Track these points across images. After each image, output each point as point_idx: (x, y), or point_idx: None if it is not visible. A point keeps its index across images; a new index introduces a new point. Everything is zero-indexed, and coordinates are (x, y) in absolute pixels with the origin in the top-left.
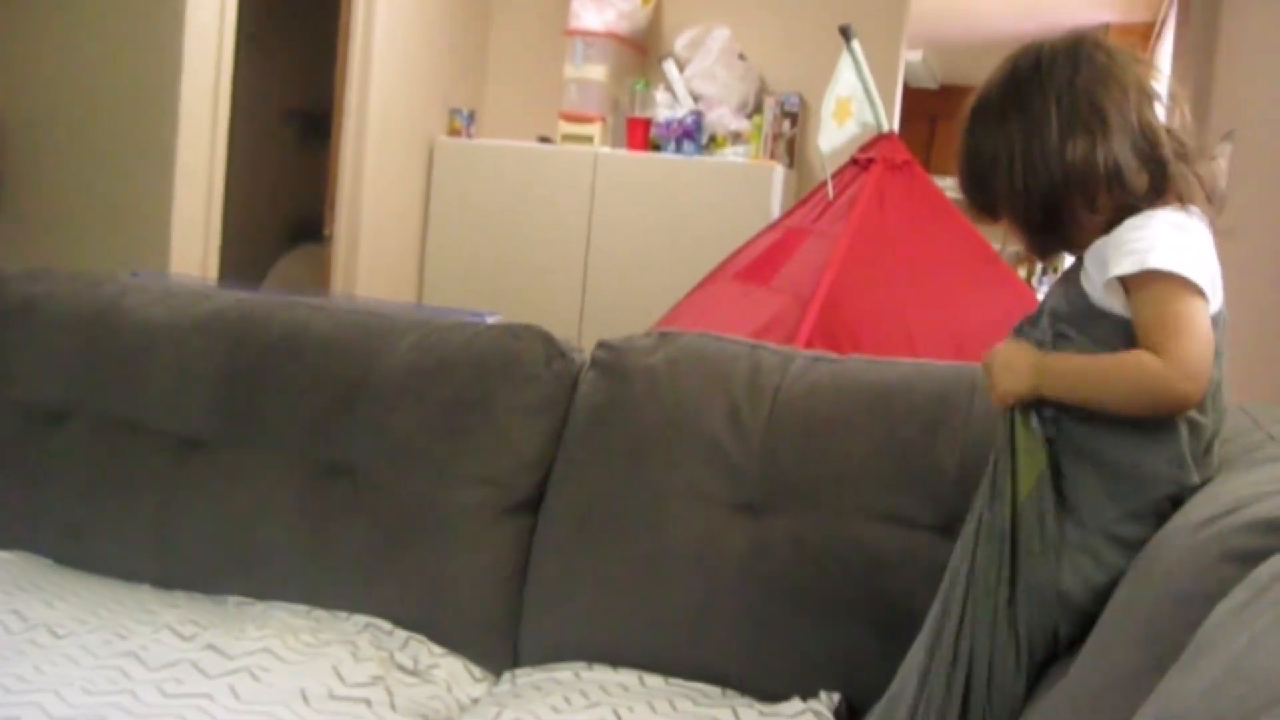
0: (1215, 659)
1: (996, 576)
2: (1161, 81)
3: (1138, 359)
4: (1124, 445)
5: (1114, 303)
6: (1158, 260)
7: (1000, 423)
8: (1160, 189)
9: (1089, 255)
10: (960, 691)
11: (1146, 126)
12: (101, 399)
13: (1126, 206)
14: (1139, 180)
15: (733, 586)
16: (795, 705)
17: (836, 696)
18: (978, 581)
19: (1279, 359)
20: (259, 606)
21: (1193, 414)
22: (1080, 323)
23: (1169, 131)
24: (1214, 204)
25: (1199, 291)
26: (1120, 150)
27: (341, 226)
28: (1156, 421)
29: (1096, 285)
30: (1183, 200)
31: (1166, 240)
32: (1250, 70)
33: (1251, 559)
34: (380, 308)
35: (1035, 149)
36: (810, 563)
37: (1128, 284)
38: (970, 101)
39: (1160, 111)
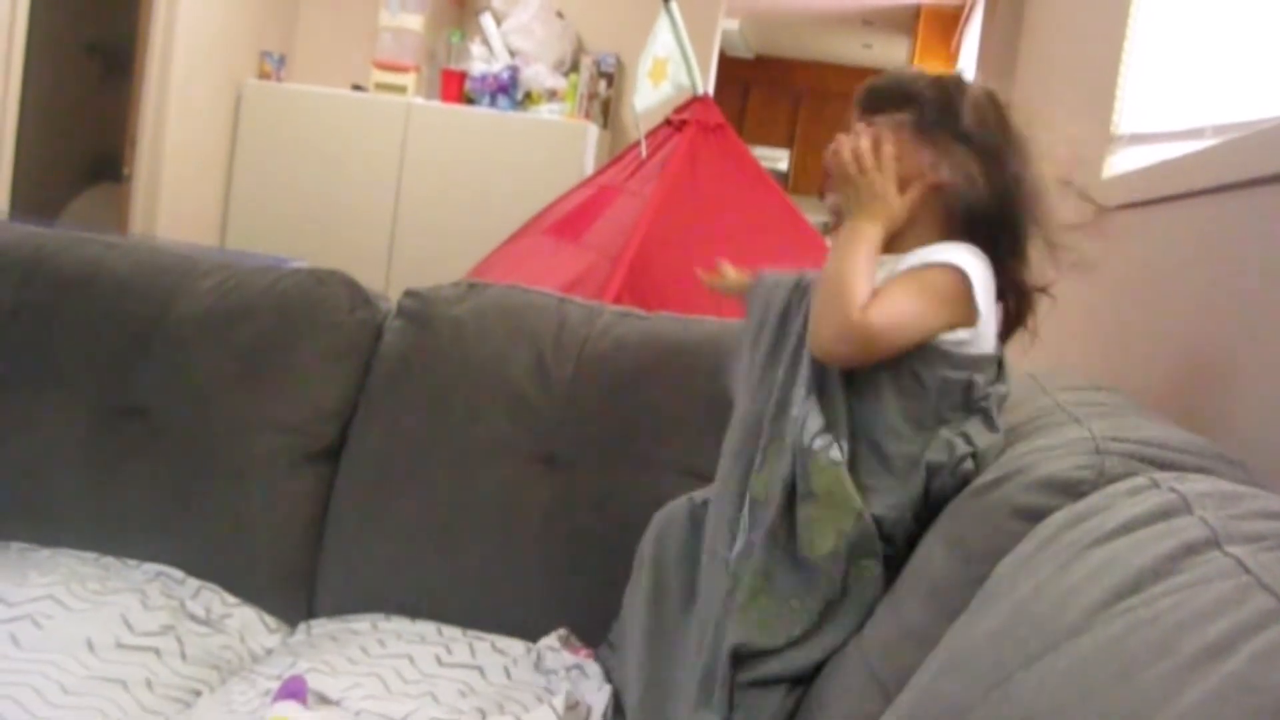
0: (1001, 606)
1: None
2: None
3: (858, 295)
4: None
5: None
6: (952, 257)
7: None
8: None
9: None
10: None
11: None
12: None
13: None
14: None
15: (534, 538)
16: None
17: None
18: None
19: (1068, 325)
20: (44, 553)
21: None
22: None
23: None
24: None
25: (963, 295)
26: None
27: (142, 166)
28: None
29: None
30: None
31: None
32: (1050, 54)
33: (1037, 516)
34: (180, 249)
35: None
36: (612, 516)
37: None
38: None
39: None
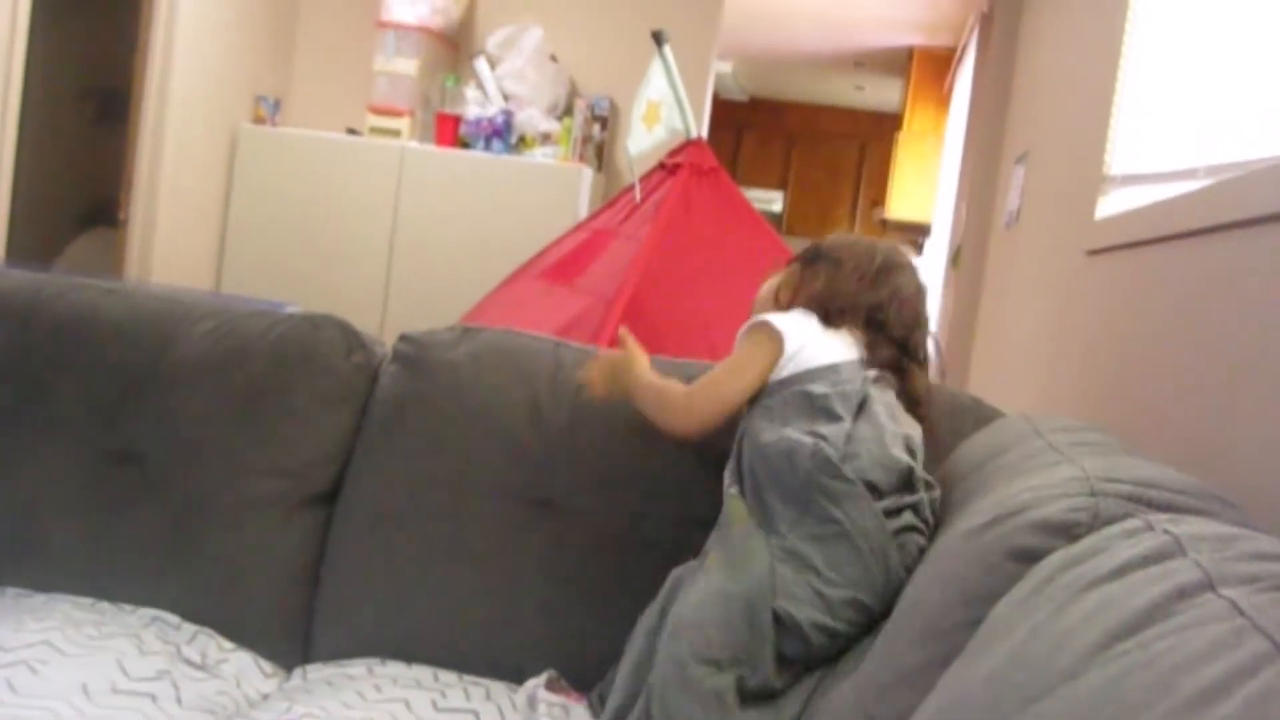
0: (997, 649)
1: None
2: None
3: (673, 391)
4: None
5: None
6: (755, 318)
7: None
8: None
9: None
10: None
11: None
12: None
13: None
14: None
15: (531, 581)
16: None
17: None
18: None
19: (1062, 367)
20: (39, 598)
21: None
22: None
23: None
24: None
25: (770, 335)
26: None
27: (138, 210)
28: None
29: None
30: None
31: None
32: (1042, 96)
33: (1034, 557)
34: (176, 294)
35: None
36: (607, 560)
37: None
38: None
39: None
